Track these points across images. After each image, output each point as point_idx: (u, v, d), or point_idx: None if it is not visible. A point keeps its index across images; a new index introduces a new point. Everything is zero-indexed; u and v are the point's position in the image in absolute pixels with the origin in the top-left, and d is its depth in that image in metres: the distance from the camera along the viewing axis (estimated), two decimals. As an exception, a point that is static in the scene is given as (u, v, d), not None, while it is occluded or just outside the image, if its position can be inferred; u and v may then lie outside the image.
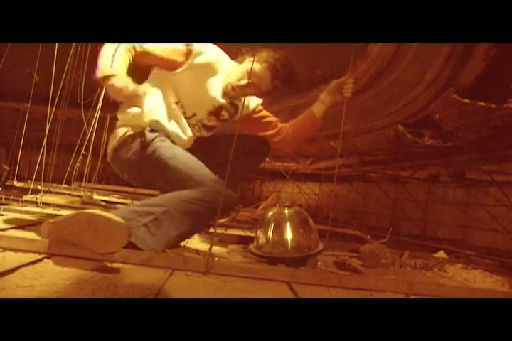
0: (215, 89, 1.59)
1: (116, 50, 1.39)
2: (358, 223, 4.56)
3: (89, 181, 3.83)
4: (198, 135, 1.67)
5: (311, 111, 1.73)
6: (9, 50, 2.66)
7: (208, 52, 1.55)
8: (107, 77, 1.35)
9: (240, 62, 1.66)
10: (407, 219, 5.04)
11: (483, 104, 2.19)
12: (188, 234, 1.51)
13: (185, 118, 1.61)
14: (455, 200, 4.41)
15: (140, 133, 1.51)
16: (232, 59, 1.69)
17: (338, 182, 6.31)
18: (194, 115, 1.62)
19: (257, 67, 1.56)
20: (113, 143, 1.56)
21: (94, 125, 2.99)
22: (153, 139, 1.49)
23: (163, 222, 1.36)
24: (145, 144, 1.48)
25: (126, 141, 1.53)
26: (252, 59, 1.55)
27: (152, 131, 1.51)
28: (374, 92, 2.77)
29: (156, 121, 1.52)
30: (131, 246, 1.27)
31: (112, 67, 1.36)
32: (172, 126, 1.56)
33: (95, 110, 2.96)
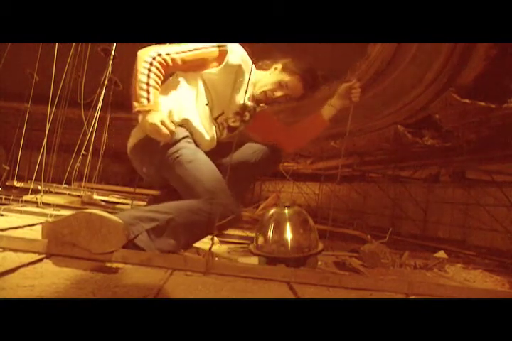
0: (243, 90, 1.61)
1: (149, 76, 1.39)
2: (358, 223, 4.56)
3: (89, 181, 3.83)
4: (219, 136, 1.68)
5: (319, 115, 1.73)
6: (9, 50, 2.66)
7: (239, 52, 1.56)
8: (142, 111, 1.38)
9: (262, 69, 1.68)
10: (407, 219, 5.04)
11: (483, 104, 2.19)
12: (185, 246, 1.49)
13: (213, 118, 1.62)
14: (455, 200, 4.41)
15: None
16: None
17: (338, 182, 6.31)
18: (222, 114, 1.63)
19: (288, 78, 1.62)
20: (138, 135, 1.54)
21: (94, 125, 2.99)
22: (181, 138, 1.49)
23: (164, 230, 1.36)
24: (172, 141, 1.46)
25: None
26: (279, 68, 1.63)
27: (181, 128, 1.51)
28: (374, 92, 2.77)
29: (186, 120, 1.53)
30: (131, 246, 1.27)
31: (148, 100, 1.37)
32: (199, 126, 1.56)
33: (95, 110, 2.96)
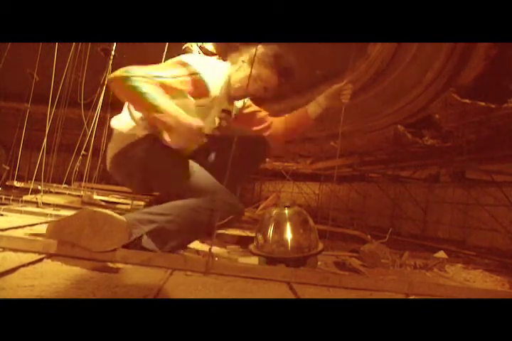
0: (215, 106, 1.57)
1: (143, 86, 1.30)
2: (358, 223, 4.55)
3: (89, 181, 3.83)
4: (201, 142, 1.65)
5: (305, 111, 1.72)
6: (9, 50, 2.66)
7: (217, 77, 1.52)
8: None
9: (231, 64, 1.62)
10: (407, 219, 5.04)
11: (483, 104, 2.19)
12: (187, 244, 1.50)
13: None
14: (455, 200, 4.40)
15: (155, 135, 1.43)
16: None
17: (338, 182, 6.31)
18: None
19: (258, 70, 1.53)
20: (119, 145, 1.49)
21: (94, 125, 2.99)
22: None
23: (164, 231, 1.37)
24: (161, 146, 1.39)
25: (139, 142, 1.47)
26: (246, 60, 1.56)
27: None
28: (374, 92, 2.77)
29: None
30: (132, 246, 1.27)
31: (165, 105, 1.30)
32: None
33: (95, 110, 2.96)
